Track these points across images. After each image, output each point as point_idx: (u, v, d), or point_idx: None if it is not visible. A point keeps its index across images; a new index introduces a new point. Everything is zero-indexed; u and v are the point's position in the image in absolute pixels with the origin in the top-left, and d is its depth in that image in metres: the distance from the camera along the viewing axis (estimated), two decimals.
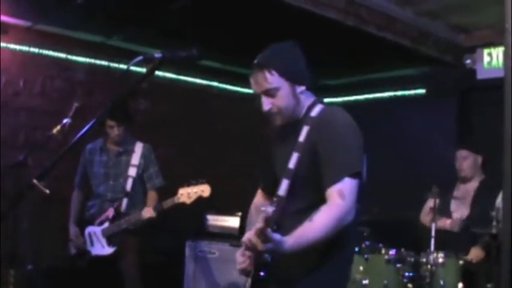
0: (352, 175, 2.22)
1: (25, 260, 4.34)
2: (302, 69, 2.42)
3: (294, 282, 2.35)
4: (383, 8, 4.89)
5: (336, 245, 2.30)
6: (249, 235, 2.10)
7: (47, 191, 2.02)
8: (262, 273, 2.31)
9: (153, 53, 2.03)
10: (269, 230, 2.04)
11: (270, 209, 2.10)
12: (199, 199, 4.13)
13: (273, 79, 2.33)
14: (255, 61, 2.37)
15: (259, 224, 2.04)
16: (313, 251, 2.25)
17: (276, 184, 2.44)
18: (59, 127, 3.58)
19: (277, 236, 2.08)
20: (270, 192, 2.58)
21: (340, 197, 2.19)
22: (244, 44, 3.88)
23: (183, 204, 4.13)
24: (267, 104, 2.37)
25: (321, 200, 2.23)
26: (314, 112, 2.39)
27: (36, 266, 4.54)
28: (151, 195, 4.55)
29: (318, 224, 2.16)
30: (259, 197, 2.76)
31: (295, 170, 2.32)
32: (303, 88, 2.39)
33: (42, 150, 3.68)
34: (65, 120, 3.64)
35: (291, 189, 2.33)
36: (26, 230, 4.10)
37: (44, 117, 5.29)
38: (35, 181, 2.09)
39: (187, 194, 4.12)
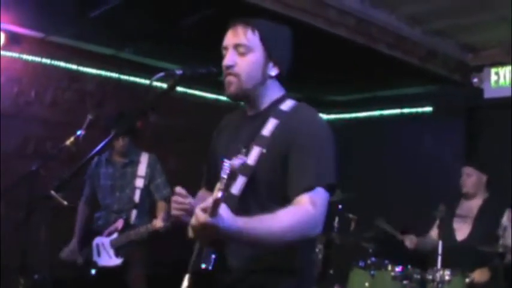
0: (326, 187, 1.96)
1: (34, 269, 4.36)
2: (284, 51, 2.16)
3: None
4: (393, 27, 4.96)
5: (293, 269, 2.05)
6: (195, 215, 1.73)
7: (65, 202, 2.06)
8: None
9: (171, 68, 2.05)
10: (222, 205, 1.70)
11: (220, 194, 1.68)
12: None
13: (252, 38, 2.08)
14: (242, 18, 2.14)
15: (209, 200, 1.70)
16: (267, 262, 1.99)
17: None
18: (72, 139, 3.61)
19: (228, 213, 1.73)
20: (212, 187, 2.28)
21: (311, 205, 1.90)
22: None
23: None
24: (231, 59, 2.07)
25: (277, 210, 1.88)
26: (285, 106, 2.12)
27: (44, 276, 4.56)
28: (161, 206, 4.56)
29: (280, 218, 1.84)
30: (203, 191, 2.46)
31: (256, 167, 2.03)
32: (275, 71, 2.13)
33: (54, 161, 3.71)
34: (78, 132, 3.68)
35: (246, 189, 2.02)
36: (35, 239, 4.13)
37: (54, 127, 5.36)
38: (52, 192, 2.13)
39: None
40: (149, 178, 4.57)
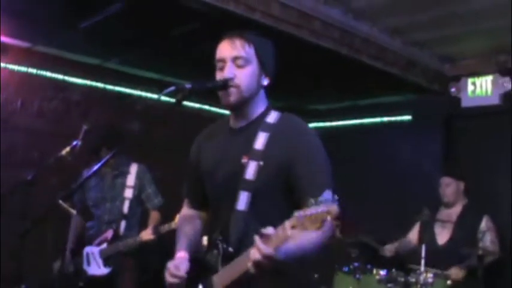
0: (332, 190, 2.08)
1: (21, 278, 4.37)
2: (273, 64, 2.29)
3: None
4: (375, 38, 5.10)
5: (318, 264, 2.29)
6: (259, 252, 1.81)
7: (73, 211, 2.12)
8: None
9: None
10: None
11: (271, 231, 1.81)
12: None
13: (249, 50, 2.19)
14: (237, 31, 2.24)
15: (263, 237, 1.82)
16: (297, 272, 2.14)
17: (202, 192, 2.32)
18: (68, 149, 3.66)
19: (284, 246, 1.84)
20: (198, 203, 2.44)
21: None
22: None
23: None
24: (230, 72, 2.16)
25: (283, 219, 1.87)
26: (271, 119, 2.23)
27: (31, 285, 4.56)
28: (154, 216, 4.62)
29: (317, 236, 1.96)
30: (186, 209, 2.52)
31: (256, 182, 2.12)
32: (266, 82, 2.25)
33: (49, 170, 3.75)
34: (74, 142, 3.73)
35: (251, 203, 2.12)
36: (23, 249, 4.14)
37: (40, 137, 5.39)
38: (60, 201, 2.19)
39: None
40: (139, 188, 4.61)
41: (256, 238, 1.83)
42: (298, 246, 1.92)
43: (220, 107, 6.74)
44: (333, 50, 4.73)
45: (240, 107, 2.23)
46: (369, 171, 6.47)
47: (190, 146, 2.45)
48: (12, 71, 5.33)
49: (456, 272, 4.56)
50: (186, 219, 2.47)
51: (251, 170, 2.12)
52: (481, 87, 5.83)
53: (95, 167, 2.36)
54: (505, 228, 5.13)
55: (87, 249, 4.50)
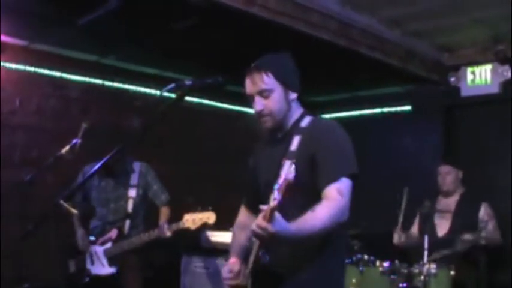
0: (349, 176, 2.34)
1: (22, 279, 4.36)
2: (295, 78, 2.54)
3: (292, 282, 2.41)
4: (373, 29, 5.08)
5: (331, 248, 2.42)
6: (256, 221, 2.11)
7: (75, 211, 2.12)
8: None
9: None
10: (276, 213, 2.09)
11: (275, 203, 2.07)
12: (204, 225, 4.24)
13: (268, 80, 2.44)
14: (253, 64, 2.49)
15: (266, 208, 2.08)
16: (311, 252, 2.37)
17: (260, 200, 2.48)
18: (68, 147, 3.64)
19: (282, 220, 2.12)
20: (254, 208, 2.58)
21: (339, 194, 2.28)
22: (236, 63, 4.00)
23: (187, 229, 4.21)
24: (259, 104, 2.46)
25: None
26: (304, 123, 2.50)
27: (34, 285, 4.55)
28: (164, 211, 4.60)
29: (319, 215, 2.22)
30: (243, 215, 2.83)
31: None
32: (294, 96, 2.52)
33: (48, 170, 3.74)
34: (74, 141, 3.71)
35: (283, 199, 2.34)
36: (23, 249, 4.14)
37: (39, 135, 5.38)
38: (61, 202, 2.18)
39: (193, 220, 4.20)
40: (143, 187, 4.59)
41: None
42: (298, 223, 2.18)
43: (218, 101, 6.81)
44: (331, 42, 4.71)
45: (278, 128, 2.53)
46: (368, 162, 6.43)
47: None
48: (9, 70, 5.30)
49: (468, 236, 4.56)
50: (240, 226, 2.79)
51: (285, 167, 2.31)
52: (480, 76, 5.82)
53: (96, 167, 2.35)
54: (505, 216, 5.13)
55: (91, 249, 4.48)
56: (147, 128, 2.09)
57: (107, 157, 2.21)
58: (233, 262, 2.60)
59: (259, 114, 2.46)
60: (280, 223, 2.09)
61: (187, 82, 2.11)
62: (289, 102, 2.50)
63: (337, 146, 2.40)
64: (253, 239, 2.23)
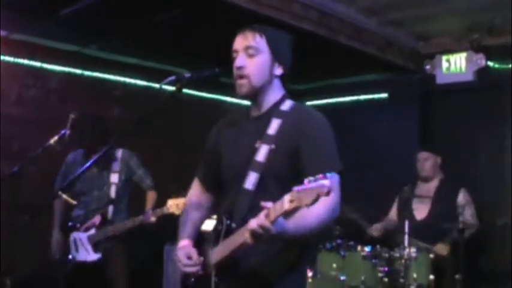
0: (337, 172, 2.23)
1: (10, 268, 4.37)
2: (287, 54, 2.39)
3: (262, 281, 2.25)
4: (351, 18, 5.17)
5: (308, 244, 2.34)
6: (256, 221, 1.95)
7: (74, 202, 2.16)
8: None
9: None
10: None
11: (269, 204, 1.95)
12: None
13: (260, 40, 2.29)
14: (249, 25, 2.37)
15: (271, 207, 1.95)
16: (287, 250, 2.24)
17: (219, 178, 2.41)
18: (56, 138, 3.64)
19: (282, 220, 1.98)
20: (210, 185, 2.53)
21: (332, 191, 2.14)
22: (219, 53, 4.05)
23: (172, 214, 4.26)
24: (241, 60, 2.29)
25: None
26: (285, 106, 2.35)
27: (17, 275, 4.56)
28: (150, 196, 4.65)
29: (316, 212, 2.07)
30: (196, 191, 2.62)
31: (266, 163, 2.24)
32: (280, 71, 2.34)
33: (36, 161, 3.74)
34: (62, 131, 3.72)
35: (259, 184, 2.24)
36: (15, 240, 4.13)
37: (20, 126, 5.37)
38: (60, 193, 2.22)
39: (176, 205, 4.23)
40: (125, 173, 4.62)
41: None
42: (296, 222, 2.03)
43: (199, 90, 6.84)
44: (312, 32, 4.78)
45: (253, 96, 2.36)
46: (346, 149, 6.54)
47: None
48: None
49: (441, 248, 4.73)
50: (193, 205, 2.58)
51: (262, 152, 2.25)
52: (455, 65, 5.94)
53: (92, 160, 2.40)
54: (483, 202, 5.28)
55: (74, 235, 4.47)
56: (145, 121, 2.12)
57: (101, 152, 2.24)
58: (187, 245, 2.39)
59: (238, 72, 2.29)
60: (282, 224, 1.98)
61: (186, 75, 2.16)
62: (273, 75, 2.33)
63: (325, 140, 2.28)
64: (247, 236, 2.00)
